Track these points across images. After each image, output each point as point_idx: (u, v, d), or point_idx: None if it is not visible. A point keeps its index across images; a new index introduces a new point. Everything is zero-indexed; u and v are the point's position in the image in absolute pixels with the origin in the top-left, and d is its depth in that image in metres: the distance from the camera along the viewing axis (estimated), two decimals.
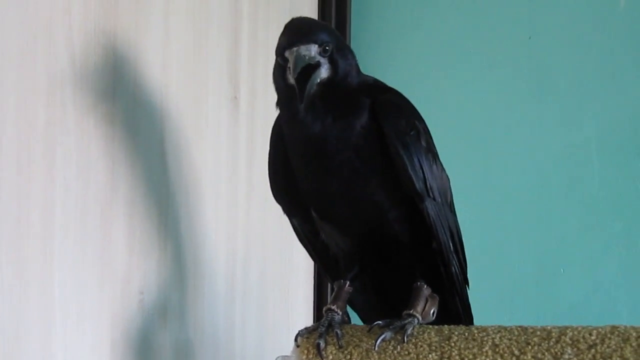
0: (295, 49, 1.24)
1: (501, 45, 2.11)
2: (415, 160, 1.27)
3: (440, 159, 1.36)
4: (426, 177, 1.28)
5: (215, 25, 1.67)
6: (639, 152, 1.98)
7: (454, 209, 1.38)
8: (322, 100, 1.25)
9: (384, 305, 1.39)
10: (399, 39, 2.18)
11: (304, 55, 1.23)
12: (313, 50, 1.24)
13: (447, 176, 1.36)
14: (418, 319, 1.28)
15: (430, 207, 1.28)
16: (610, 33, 2.02)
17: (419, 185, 1.27)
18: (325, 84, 1.26)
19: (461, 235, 1.38)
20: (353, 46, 2.15)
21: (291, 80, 1.25)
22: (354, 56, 1.32)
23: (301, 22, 1.30)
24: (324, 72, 1.25)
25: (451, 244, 1.32)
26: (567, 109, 2.04)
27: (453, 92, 2.13)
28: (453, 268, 1.33)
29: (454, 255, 1.33)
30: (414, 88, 1.48)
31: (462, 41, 2.15)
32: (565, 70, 2.05)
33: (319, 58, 1.25)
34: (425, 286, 1.32)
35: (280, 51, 1.26)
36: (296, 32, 1.27)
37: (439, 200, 1.30)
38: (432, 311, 1.31)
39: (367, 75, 1.34)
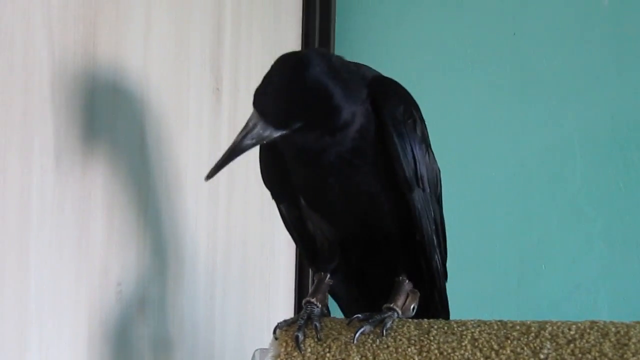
0: None
1: (485, 42, 2.11)
2: (409, 149, 1.25)
3: None
4: (417, 167, 1.26)
5: (198, 16, 1.65)
6: (621, 150, 1.99)
7: (442, 201, 1.37)
8: None
9: (367, 298, 1.38)
10: (383, 35, 2.18)
11: None
12: None
13: (439, 168, 1.36)
14: (398, 313, 1.28)
15: (417, 197, 1.27)
16: (594, 30, 2.03)
17: (409, 174, 1.25)
18: None
19: (445, 229, 1.37)
20: (337, 43, 2.16)
21: None
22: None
23: None
24: None
25: (434, 237, 1.31)
26: (550, 106, 2.05)
27: (436, 88, 2.13)
28: (434, 262, 1.32)
29: (437, 248, 1.32)
30: None
31: (446, 38, 2.14)
32: (549, 67, 2.06)
33: None
34: (407, 281, 1.31)
35: None
36: None
37: (428, 190, 1.29)
38: (412, 306, 1.31)
39: (360, 65, 1.29)
